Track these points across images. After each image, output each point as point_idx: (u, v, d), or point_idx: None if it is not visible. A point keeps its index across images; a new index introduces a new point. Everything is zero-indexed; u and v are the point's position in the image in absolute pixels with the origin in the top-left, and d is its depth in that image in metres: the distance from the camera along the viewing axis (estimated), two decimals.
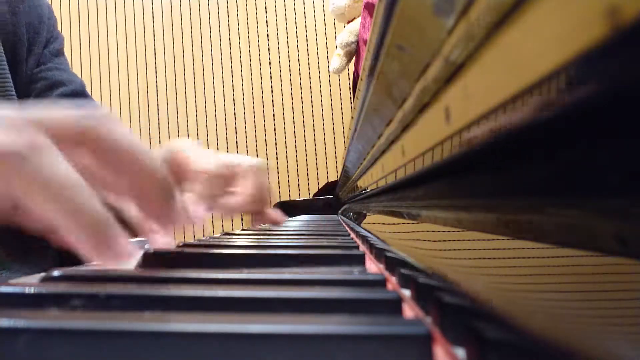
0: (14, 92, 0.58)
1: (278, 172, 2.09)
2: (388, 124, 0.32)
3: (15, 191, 0.22)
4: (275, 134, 2.12)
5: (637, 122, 0.09)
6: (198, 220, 0.37)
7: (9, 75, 0.58)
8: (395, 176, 0.35)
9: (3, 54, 0.58)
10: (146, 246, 0.30)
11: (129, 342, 0.12)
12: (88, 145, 0.25)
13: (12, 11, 0.61)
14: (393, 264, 0.23)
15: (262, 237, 0.46)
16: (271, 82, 2.14)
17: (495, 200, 0.17)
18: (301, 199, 1.36)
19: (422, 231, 0.28)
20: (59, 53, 0.69)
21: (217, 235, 0.50)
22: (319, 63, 2.13)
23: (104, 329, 0.12)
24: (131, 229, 0.29)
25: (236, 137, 2.12)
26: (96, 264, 0.23)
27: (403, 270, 0.21)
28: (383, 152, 0.39)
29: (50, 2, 2.26)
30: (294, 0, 2.16)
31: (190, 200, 0.40)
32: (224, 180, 0.45)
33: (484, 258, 0.17)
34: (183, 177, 0.42)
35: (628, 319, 0.09)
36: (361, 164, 0.59)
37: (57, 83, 0.65)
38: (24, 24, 0.62)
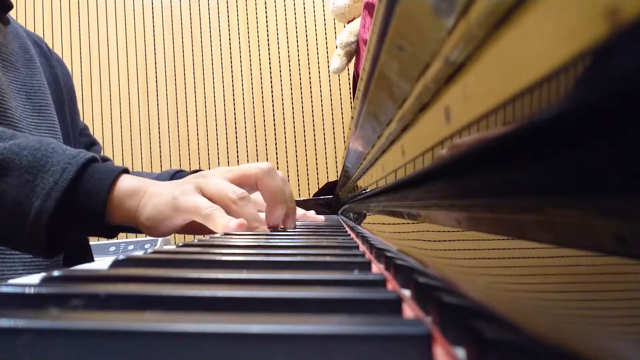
0: (61, 138, 0.75)
1: None
2: (388, 124, 0.32)
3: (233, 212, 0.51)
4: (275, 134, 2.12)
5: (637, 122, 0.09)
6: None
7: (58, 124, 0.75)
8: (395, 176, 0.35)
9: (53, 105, 0.74)
10: (146, 246, 0.31)
11: (129, 342, 0.12)
12: (258, 186, 0.55)
13: (54, 73, 0.80)
14: (393, 264, 0.23)
15: (262, 237, 0.46)
16: (271, 82, 2.13)
17: (495, 200, 0.17)
18: (301, 198, 1.36)
19: (422, 231, 0.28)
20: None
21: (217, 235, 0.50)
22: (319, 63, 2.13)
23: (104, 329, 0.12)
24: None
25: (236, 137, 2.12)
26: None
27: (403, 270, 0.21)
28: (383, 152, 0.39)
29: (50, 2, 2.25)
30: (294, 1, 2.16)
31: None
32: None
33: (484, 258, 0.17)
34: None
35: (628, 319, 0.09)
36: (361, 164, 0.59)
37: (94, 142, 0.91)
38: (62, 84, 0.81)
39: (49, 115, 0.72)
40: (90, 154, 0.50)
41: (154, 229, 0.51)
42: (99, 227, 0.50)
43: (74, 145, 0.81)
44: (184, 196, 0.50)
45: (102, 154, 0.93)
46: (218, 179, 0.53)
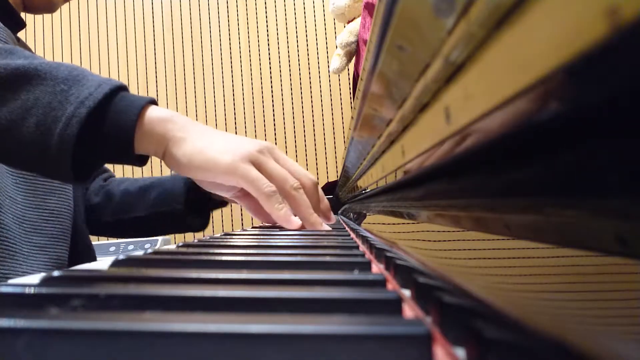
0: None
1: None
2: (388, 124, 0.32)
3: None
4: (275, 134, 2.12)
5: (637, 122, 0.09)
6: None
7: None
8: (395, 176, 0.35)
9: None
10: (146, 246, 0.31)
11: (129, 342, 0.12)
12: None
13: None
14: (393, 264, 0.23)
15: (261, 237, 0.46)
16: (271, 82, 2.13)
17: (495, 200, 0.17)
18: None
19: (422, 231, 0.28)
20: None
21: (217, 235, 0.50)
22: (319, 63, 2.13)
23: (104, 329, 0.12)
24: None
25: None
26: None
27: (403, 270, 0.21)
28: (383, 152, 0.39)
29: None
30: (294, 0, 2.16)
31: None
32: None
33: (484, 258, 0.17)
34: None
35: (628, 319, 0.09)
36: (361, 164, 0.59)
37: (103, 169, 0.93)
38: None
39: None
40: (121, 82, 0.51)
41: (184, 168, 0.50)
42: (127, 149, 0.49)
43: None
44: (243, 163, 0.51)
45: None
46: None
